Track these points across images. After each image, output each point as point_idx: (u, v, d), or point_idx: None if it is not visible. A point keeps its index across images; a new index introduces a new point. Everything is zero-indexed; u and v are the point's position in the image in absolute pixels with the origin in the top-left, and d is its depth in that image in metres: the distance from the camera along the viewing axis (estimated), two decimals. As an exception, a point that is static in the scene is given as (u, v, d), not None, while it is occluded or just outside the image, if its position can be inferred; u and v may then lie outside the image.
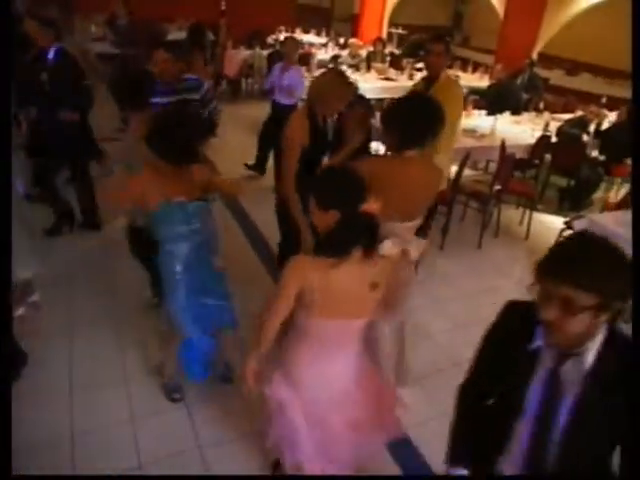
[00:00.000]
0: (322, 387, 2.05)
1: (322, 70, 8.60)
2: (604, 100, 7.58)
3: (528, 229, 5.49)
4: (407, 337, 3.15)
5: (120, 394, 3.03)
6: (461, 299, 4.31)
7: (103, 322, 3.57)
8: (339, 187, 1.85)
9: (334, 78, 3.15)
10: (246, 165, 6.24)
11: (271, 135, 5.94)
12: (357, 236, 1.80)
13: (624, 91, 9.95)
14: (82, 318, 3.60)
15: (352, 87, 3.26)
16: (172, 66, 3.61)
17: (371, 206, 1.83)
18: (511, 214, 5.85)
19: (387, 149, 2.71)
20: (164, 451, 2.70)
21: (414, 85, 4.50)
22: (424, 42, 10.24)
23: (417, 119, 2.52)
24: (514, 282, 4.80)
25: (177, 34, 12.43)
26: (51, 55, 4.02)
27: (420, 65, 9.47)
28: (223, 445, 2.77)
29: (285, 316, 1.87)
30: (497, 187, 5.21)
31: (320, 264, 1.79)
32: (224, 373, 3.17)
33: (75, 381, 3.07)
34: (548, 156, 6.16)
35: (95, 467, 2.57)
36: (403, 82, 8.62)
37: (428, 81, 3.97)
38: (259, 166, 6.22)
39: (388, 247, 2.46)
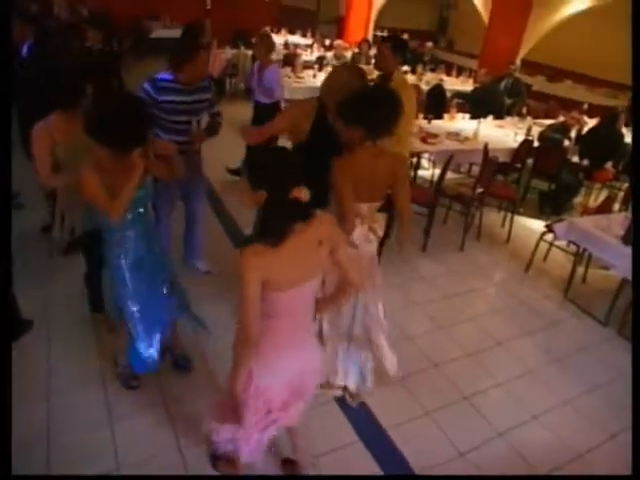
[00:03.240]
0: (284, 368, 2.08)
1: (308, 71, 8.62)
2: (585, 107, 7.70)
3: (509, 232, 5.54)
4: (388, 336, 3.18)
5: (97, 396, 2.97)
6: (442, 300, 4.33)
7: (80, 323, 3.51)
8: (271, 167, 1.83)
9: (350, 73, 3.07)
10: (229, 170, 6.08)
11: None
12: (287, 220, 1.80)
13: (605, 99, 10.14)
14: (59, 319, 3.53)
15: (367, 82, 3.23)
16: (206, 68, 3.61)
17: (300, 193, 1.82)
18: (493, 217, 5.90)
19: (345, 143, 2.71)
20: (142, 453, 2.66)
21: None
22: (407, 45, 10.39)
23: (376, 111, 2.57)
24: (494, 284, 4.85)
25: (161, 32, 12.41)
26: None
27: (405, 68, 9.55)
28: (203, 445, 2.73)
29: (257, 307, 1.85)
30: (479, 190, 5.24)
31: (264, 250, 1.79)
32: (180, 361, 3.20)
33: (53, 383, 3.02)
34: (530, 160, 6.23)
35: (72, 469, 2.53)
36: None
37: (382, 79, 4.03)
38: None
39: (359, 227, 2.71)
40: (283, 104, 6.30)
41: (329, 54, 10.36)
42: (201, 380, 3.15)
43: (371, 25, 13.93)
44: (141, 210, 2.67)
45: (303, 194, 1.82)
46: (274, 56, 9.56)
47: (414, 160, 5.91)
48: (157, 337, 2.84)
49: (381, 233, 2.87)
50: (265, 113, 5.64)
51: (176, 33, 12.37)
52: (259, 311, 1.85)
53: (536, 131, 6.55)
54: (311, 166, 2.91)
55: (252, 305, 1.82)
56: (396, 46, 3.92)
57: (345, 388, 3.12)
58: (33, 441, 2.64)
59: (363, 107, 2.57)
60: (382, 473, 2.72)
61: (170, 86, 3.42)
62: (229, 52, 9.86)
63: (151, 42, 12.10)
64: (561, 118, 6.95)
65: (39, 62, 4.05)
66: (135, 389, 3.02)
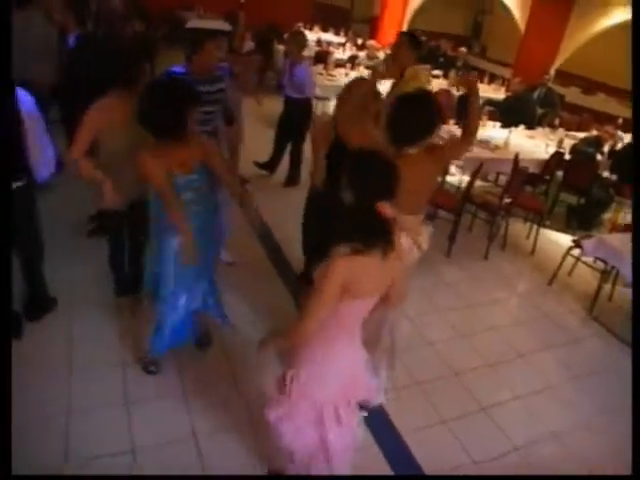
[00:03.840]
0: (336, 376, 2.06)
1: (340, 69, 8.58)
2: (620, 121, 7.56)
3: (535, 244, 5.46)
4: (408, 342, 3.15)
5: (116, 378, 3.00)
6: (464, 309, 4.29)
7: (103, 305, 3.55)
8: (368, 174, 1.84)
9: (360, 92, 3.09)
10: (256, 163, 6.10)
11: (287, 133, 5.89)
12: (370, 228, 1.80)
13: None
14: (83, 300, 3.57)
15: (380, 100, 3.23)
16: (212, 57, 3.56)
17: (385, 208, 1.82)
18: (519, 228, 5.82)
19: (390, 147, 2.70)
20: (159, 437, 2.68)
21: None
22: (442, 49, 10.31)
23: (415, 118, 2.59)
24: (517, 295, 4.79)
25: (196, 22, 12.48)
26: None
27: (437, 72, 9.49)
28: (218, 434, 2.74)
29: (327, 312, 1.85)
30: (507, 200, 5.19)
31: (351, 260, 1.79)
32: (203, 338, 3.25)
33: (74, 361, 3.05)
34: (560, 173, 6.14)
35: (88, 446, 2.55)
36: (419, 87, 8.59)
37: (400, 73, 4.07)
38: (270, 165, 6.12)
39: (405, 242, 2.61)
40: (314, 101, 6.30)
41: (361, 54, 10.32)
42: (219, 369, 3.17)
43: (405, 27, 13.85)
44: (190, 194, 2.66)
45: (389, 211, 1.82)
46: (306, 53, 9.61)
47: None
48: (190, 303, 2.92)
49: (426, 246, 2.79)
50: (296, 108, 5.65)
51: (211, 24, 12.53)
52: (325, 317, 1.84)
53: (568, 143, 6.45)
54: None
55: (324, 307, 1.82)
56: (413, 43, 3.97)
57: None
58: (52, 415, 2.67)
59: (400, 114, 2.60)
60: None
61: (186, 79, 3.37)
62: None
63: (185, 32, 12.16)
64: (595, 132, 6.84)
65: (88, 50, 4.12)
66: (154, 374, 3.05)
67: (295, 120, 5.73)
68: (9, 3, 2.56)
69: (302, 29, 12.38)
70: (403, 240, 2.64)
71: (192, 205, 2.68)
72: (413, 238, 2.69)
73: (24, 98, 2.67)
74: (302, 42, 5.69)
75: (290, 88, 5.67)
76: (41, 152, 2.83)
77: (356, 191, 1.82)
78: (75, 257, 3.90)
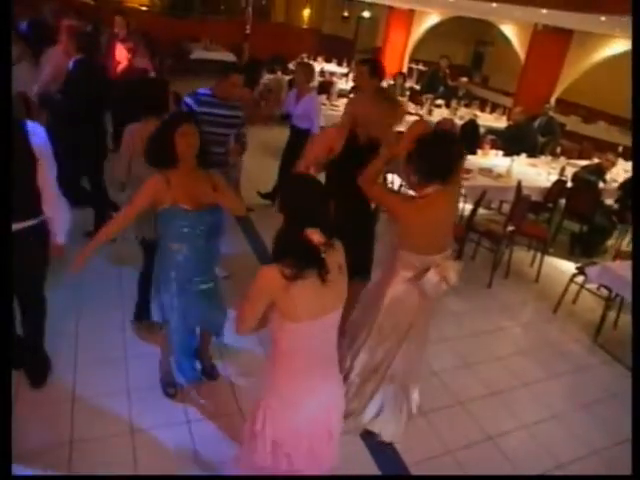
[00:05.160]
0: (311, 401, 2.00)
1: (343, 99, 8.71)
2: (620, 149, 7.63)
3: (539, 272, 5.47)
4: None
5: (122, 405, 3.00)
6: (467, 338, 4.28)
7: (109, 331, 3.57)
8: (300, 197, 1.87)
9: (383, 100, 3.16)
10: (259, 194, 6.17)
11: (291, 163, 5.94)
12: (300, 252, 1.80)
13: (640, 142, 10.00)
14: (88, 324, 3.59)
15: (399, 109, 3.29)
16: (237, 89, 3.94)
17: (314, 235, 1.82)
18: (522, 256, 5.84)
19: (410, 185, 2.72)
20: (161, 467, 2.67)
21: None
22: (442, 77, 10.45)
23: (439, 155, 2.59)
24: (521, 323, 4.78)
25: (201, 53, 12.76)
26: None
27: (440, 102, 9.62)
28: (223, 466, 2.73)
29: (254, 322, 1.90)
30: (510, 228, 5.22)
31: (278, 280, 1.79)
32: (208, 370, 3.26)
33: (79, 389, 3.06)
34: (562, 201, 6.18)
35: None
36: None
37: None
38: (273, 196, 6.13)
39: (432, 276, 2.63)
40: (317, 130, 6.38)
41: (365, 84, 10.47)
42: (222, 397, 3.17)
43: (406, 58, 14.11)
44: (200, 230, 2.69)
45: (317, 238, 1.82)
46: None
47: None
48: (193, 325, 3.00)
49: (454, 281, 2.73)
50: (301, 137, 5.72)
51: (215, 55, 12.82)
52: (254, 318, 1.89)
53: (570, 171, 6.50)
54: (342, 184, 2.97)
55: (253, 315, 1.88)
56: (373, 70, 4.04)
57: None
58: (57, 444, 2.67)
59: (425, 151, 2.60)
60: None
61: (209, 100, 3.81)
62: (266, 77, 10.03)
63: (191, 63, 12.42)
64: (596, 160, 6.89)
65: (85, 76, 4.28)
66: (172, 398, 3.09)
67: (301, 150, 5.78)
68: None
69: (306, 59, 12.66)
70: (431, 275, 2.65)
71: (199, 241, 2.72)
72: (441, 274, 2.66)
73: (35, 130, 2.53)
74: (310, 74, 5.82)
75: (297, 118, 5.77)
76: (53, 189, 2.69)
77: (288, 214, 1.86)
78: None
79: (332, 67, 12.55)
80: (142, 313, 3.64)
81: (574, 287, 4.90)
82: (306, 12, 16.51)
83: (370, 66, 4.09)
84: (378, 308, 2.85)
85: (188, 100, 3.82)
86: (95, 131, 4.37)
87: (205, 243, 2.75)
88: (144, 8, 14.09)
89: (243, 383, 3.29)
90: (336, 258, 1.91)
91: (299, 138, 5.71)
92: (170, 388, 3.12)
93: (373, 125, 3.11)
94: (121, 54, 5.79)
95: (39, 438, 2.70)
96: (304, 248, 1.80)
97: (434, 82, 10.52)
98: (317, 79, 10.59)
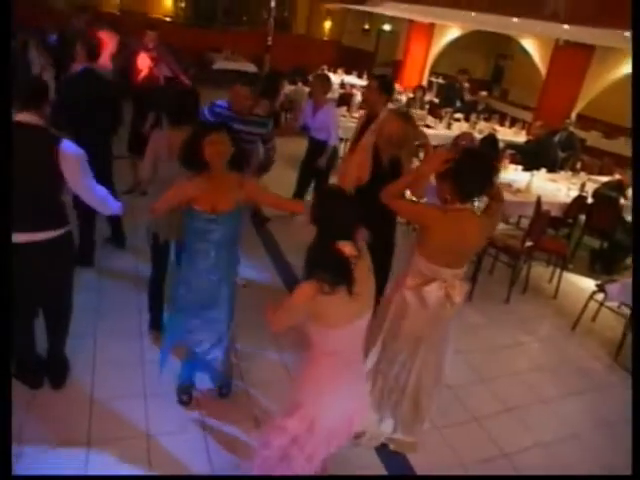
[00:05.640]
0: (340, 404, 2.11)
1: (362, 111, 8.75)
2: (642, 166, 7.53)
3: (557, 288, 5.42)
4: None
5: (139, 408, 3.03)
6: (484, 352, 4.25)
7: (127, 334, 3.61)
8: (330, 212, 1.92)
9: (404, 124, 3.22)
10: None
11: (310, 174, 5.97)
12: (334, 266, 1.86)
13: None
14: (107, 328, 3.64)
15: (421, 132, 3.34)
16: (246, 100, 4.00)
17: (346, 248, 1.89)
18: (541, 271, 5.79)
19: (442, 201, 2.71)
20: (174, 472, 2.68)
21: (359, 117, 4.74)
22: (459, 90, 10.45)
23: (472, 175, 2.59)
24: (539, 339, 4.73)
25: (223, 63, 12.92)
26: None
27: (459, 115, 9.61)
28: (236, 472, 2.73)
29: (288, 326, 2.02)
30: (529, 243, 5.18)
31: (316, 293, 1.86)
32: (224, 389, 3.25)
33: (96, 390, 3.10)
34: (582, 216, 6.13)
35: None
36: (441, 130, 8.72)
37: (368, 117, 4.20)
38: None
39: (435, 287, 2.62)
40: (337, 142, 6.41)
41: (384, 96, 10.50)
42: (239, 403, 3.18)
43: (427, 71, 14.13)
44: (216, 233, 2.74)
45: (348, 250, 1.89)
46: (329, 94, 9.81)
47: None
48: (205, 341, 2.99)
49: (459, 300, 2.71)
50: (319, 149, 5.75)
51: (236, 65, 12.98)
52: (288, 326, 2.01)
53: (590, 187, 6.44)
54: (367, 207, 2.99)
55: (289, 321, 2.02)
56: (383, 85, 4.12)
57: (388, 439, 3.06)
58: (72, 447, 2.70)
59: (459, 170, 2.60)
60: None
61: (224, 113, 3.87)
62: (287, 87, 10.12)
63: (213, 73, 12.57)
64: (617, 176, 6.82)
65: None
66: (185, 405, 3.12)
67: (315, 160, 5.79)
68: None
69: (326, 71, 12.73)
70: (435, 286, 2.63)
71: (214, 245, 2.77)
72: (446, 290, 2.64)
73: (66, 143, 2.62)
74: (327, 87, 5.84)
75: (314, 130, 5.80)
76: (89, 193, 2.81)
77: (319, 228, 1.90)
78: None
79: (352, 79, 12.61)
80: (157, 322, 3.68)
81: (594, 304, 4.84)
82: (327, 24, 16.64)
83: (380, 82, 4.17)
84: (384, 317, 2.85)
85: (205, 111, 3.88)
86: (95, 138, 4.25)
87: (222, 247, 2.79)
88: (168, 19, 14.32)
89: (259, 391, 3.30)
90: (365, 262, 2.00)
91: (317, 150, 5.75)
92: (184, 395, 3.14)
93: (395, 147, 3.17)
94: (144, 63, 5.88)
95: (57, 437, 2.73)
96: (337, 261, 1.86)
97: (451, 96, 10.52)
98: (337, 91, 10.67)
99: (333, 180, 5.69)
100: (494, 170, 2.69)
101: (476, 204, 2.77)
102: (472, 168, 2.58)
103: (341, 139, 7.77)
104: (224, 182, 2.67)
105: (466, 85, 10.57)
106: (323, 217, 1.92)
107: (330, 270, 1.84)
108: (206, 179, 2.64)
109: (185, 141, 2.67)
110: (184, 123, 3.19)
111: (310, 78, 10.58)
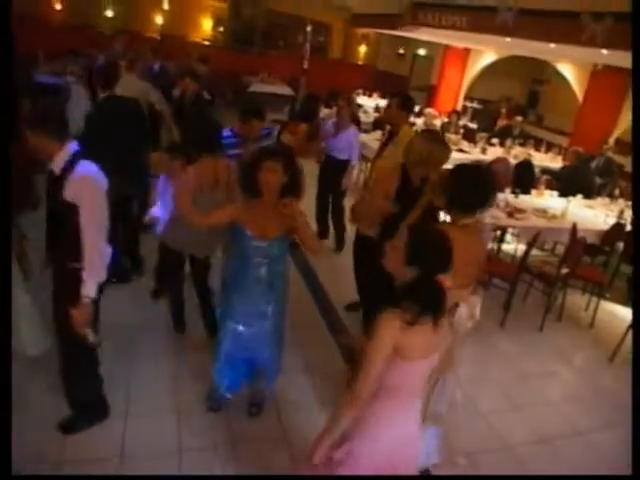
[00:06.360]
0: (398, 439, 2.06)
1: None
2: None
3: (594, 317, 5.30)
4: (459, 412, 3.09)
5: (171, 424, 3.09)
6: (518, 380, 4.18)
7: (162, 354, 3.69)
8: (433, 249, 1.92)
9: (433, 143, 3.27)
10: None
11: (329, 194, 6.03)
12: (428, 300, 1.87)
13: None
14: (142, 349, 3.73)
15: (449, 150, 3.36)
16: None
17: (446, 280, 1.91)
18: (576, 299, 5.67)
19: (449, 215, 2.74)
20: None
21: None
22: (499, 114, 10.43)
23: (476, 187, 2.63)
24: (574, 369, 4.63)
25: (258, 86, 13.21)
26: None
27: (494, 140, 9.58)
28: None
29: (378, 371, 1.89)
30: (565, 270, 5.10)
31: (402, 322, 1.84)
32: (252, 409, 3.26)
33: (131, 405, 3.17)
34: (620, 244, 6.00)
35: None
36: (475, 155, 8.70)
37: (390, 133, 4.36)
38: (320, 231, 6.13)
39: (464, 312, 2.61)
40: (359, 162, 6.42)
41: (419, 121, 10.56)
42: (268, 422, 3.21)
43: (461, 96, 14.15)
44: (260, 259, 2.80)
45: (448, 283, 1.91)
46: (364, 118, 9.92)
47: (498, 233, 5.86)
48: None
49: (479, 316, 2.74)
50: (341, 168, 5.79)
51: (272, 88, 13.25)
52: (378, 375, 1.89)
53: (629, 214, 6.32)
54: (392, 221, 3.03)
55: (375, 367, 1.88)
56: (403, 103, 4.24)
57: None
58: (105, 458, 2.76)
59: (461, 182, 2.64)
60: None
61: (231, 141, 3.93)
62: (323, 111, 10.26)
63: (248, 95, 12.86)
64: (657, 203, 6.67)
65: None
66: (215, 411, 3.19)
67: (338, 179, 5.86)
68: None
69: (362, 95, 12.88)
70: (462, 310, 2.64)
71: (260, 269, 2.82)
72: (469, 311, 2.67)
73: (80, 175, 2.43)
74: (355, 112, 5.93)
75: (337, 150, 5.83)
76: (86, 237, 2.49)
77: (421, 266, 1.89)
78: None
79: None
80: (179, 324, 3.93)
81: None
82: (362, 49, 16.89)
83: (400, 99, 4.29)
84: None
85: None
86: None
87: (265, 274, 2.84)
88: (207, 43, 14.76)
89: (289, 409, 3.32)
90: (450, 299, 2.00)
91: (338, 169, 5.82)
92: (212, 403, 3.21)
93: (424, 166, 3.20)
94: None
95: (90, 450, 2.81)
96: (438, 294, 1.89)
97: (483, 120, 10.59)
98: (372, 115, 10.77)
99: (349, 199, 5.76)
100: (493, 187, 2.74)
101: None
102: (469, 184, 2.62)
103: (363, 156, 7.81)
104: (274, 209, 2.71)
105: (502, 111, 10.54)
106: (424, 256, 1.91)
107: (423, 300, 1.86)
108: (258, 204, 2.72)
109: (243, 165, 2.79)
110: (213, 152, 3.38)
111: (340, 102, 10.75)
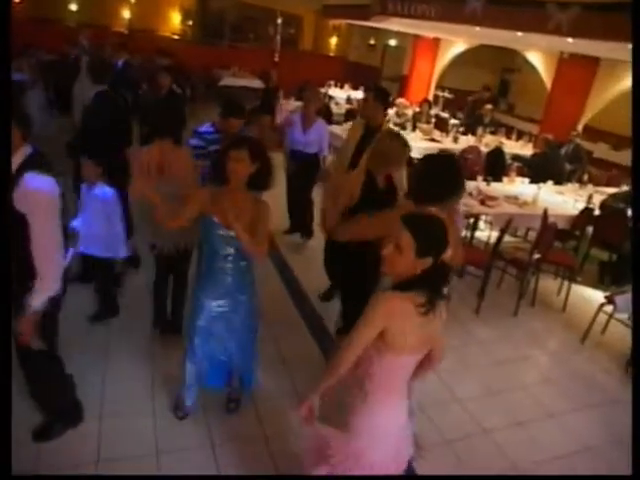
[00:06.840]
0: (389, 432, 2.08)
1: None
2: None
3: (566, 300, 5.40)
4: (437, 400, 3.12)
5: (147, 426, 3.05)
6: (493, 366, 4.24)
7: (138, 353, 3.64)
8: (440, 237, 1.91)
9: (393, 141, 3.27)
10: (285, 232, 6.08)
11: (300, 190, 5.88)
12: (441, 284, 1.94)
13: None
14: (118, 348, 3.67)
15: (408, 149, 3.37)
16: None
17: (446, 254, 1.92)
18: (549, 284, 5.77)
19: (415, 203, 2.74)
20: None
21: (351, 129, 4.66)
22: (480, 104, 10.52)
23: (444, 177, 2.62)
24: (548, 353, 4.71)
25: (229, 80, 13.09)
26: None
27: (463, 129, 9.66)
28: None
29: (360, 353, 1.91)
30: (537, 255, 5.18)
31: (403, 301, 1.85)
32: (230, 405, 3.25)
33: (105, 408, 3.12)
34: (590, 228, 6.11)
35: None
36: (447, 144, 8.76)
37: (368, 129, 4.19)
38: (298, 227, 6.05)
39: None
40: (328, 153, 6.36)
41: (390, 111, 10.55)
42: (246, 419, 3.19)
43: (433, 85, 14.22)
44: (231, 251, 2.78)
45: (448, 256, 1.94)
46: (336, 110, 9.87)
47: (471, 221, 5.91)
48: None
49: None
50: (312, 162, 5.65)
51: (243, 82, 13.14)
52: (359, 352, 1.92)
53: (597, 199, 6.44)
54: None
55: (358, 347, 1.90)
56: (379, 96, 4.22)
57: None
58: (82, 464, 2.72)
59: (430, 171, 2.65)
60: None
61: (213, 137, 3.80)
62: (293, 104, 10.21)
63: (219, 89, 12.73)
64: (625, 187, 6.82)
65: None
66: (180, 420, 3.12)
67: (308, 173, 5.73)
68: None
69: (333, 87, 12.85)
70: None
71: (229, 262, 2.80)
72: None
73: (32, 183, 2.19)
74: (321, 103, 5.80)
75: (306, 145, 5.59)
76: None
77: (435, 254, 1.88)
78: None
79: (359, 94, 12.71)
80: (161, 321, 3.86)
81: (603, 316, 4.82)
82: (333, 40, 16.86)
83: (376, 93, 4.26)
84: None
85: (193, 142, 3.77)
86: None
87: (232, 267, 2.83)
88: (176, 37, 14.56)
89: (268, 408, 3.31)
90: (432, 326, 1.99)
91: (309, 163, 5.64)
92: (178, 411, 3.14)
93: (386, 165, 3.21)
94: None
95: (66, 458, 2.76)
96: (447, 274, 1.95)
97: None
98: (344, 106, 10.76)
99: (317, 192, 5.79)
100: (462, 179, 2.73)
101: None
102: (436, 174, 2.61)
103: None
104: (241, 200, 2.69)
105: (488, 107, 10.54)
106: (438, 242, 1.90)
107: (438, 285, 1.90)
108: (224, 193, 2.69)
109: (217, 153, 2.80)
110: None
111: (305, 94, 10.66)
